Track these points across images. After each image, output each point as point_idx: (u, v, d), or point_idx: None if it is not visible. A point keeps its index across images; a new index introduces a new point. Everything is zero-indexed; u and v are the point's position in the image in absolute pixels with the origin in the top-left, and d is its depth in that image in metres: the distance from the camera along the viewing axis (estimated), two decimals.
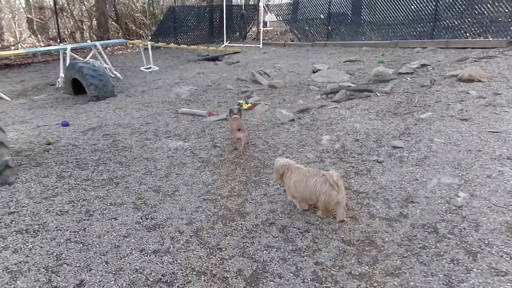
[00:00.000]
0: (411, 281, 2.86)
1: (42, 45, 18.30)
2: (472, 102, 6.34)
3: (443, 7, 11.39)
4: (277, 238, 3.48)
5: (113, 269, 3.09)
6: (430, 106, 6.60)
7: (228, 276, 3.00)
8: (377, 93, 7.66)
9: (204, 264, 3.14)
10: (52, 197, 4.36)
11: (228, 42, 16.53)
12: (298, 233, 3.56)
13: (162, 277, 2.99)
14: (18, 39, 17.38)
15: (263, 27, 19.87)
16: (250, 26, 19.96)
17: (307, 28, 15.58)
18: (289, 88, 8.72)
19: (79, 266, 3.13)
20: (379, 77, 8.50)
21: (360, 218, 3.76)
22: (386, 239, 3.39)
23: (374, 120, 6.34)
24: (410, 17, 12.47)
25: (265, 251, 3.30)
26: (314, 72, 9.63)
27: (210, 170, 5.09)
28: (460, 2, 11.05)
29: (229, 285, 2.89)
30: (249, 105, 7.75)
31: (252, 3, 21.02)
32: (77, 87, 9.68)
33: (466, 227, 3.41)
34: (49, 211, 4.06)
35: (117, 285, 2.91)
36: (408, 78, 8.30)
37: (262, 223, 3.76)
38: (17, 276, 3.01)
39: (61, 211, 4.05)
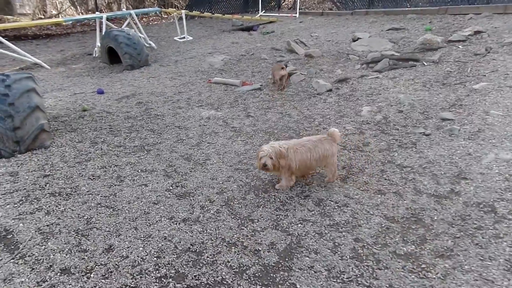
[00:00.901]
0: (465, 264, 2.55)
1: (81, 15, 18.58)
2: None
3: None
4: (313, 212, 3.25)
5: (142, 236, 3.01)
6: (485, 76, 5.94)
7: (260, 249, 2.82)
8: (424, 63, 7.02)
9: (235, 235, 2.98)
10: (85, 162, 4.36)
11: (263, 11, 15.92)
12: (336, 207, 3.31)
13: (191, 246, 2.87)
14: (59, 9, 17.72)
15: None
16: None
17: None
18: (326, 58, 8.22)
19: (108, 231, 3.08)
20: (426, 45, 7.79)
21: (404, 194, 3.43)
22: (435, 218, 3.06)
23: (420, 91, 5.81)
24: None
25: (300, 225, 3.08)
26: (354, 40, 9.00)
27: (242, 139, 4.88)
28: None
29: (261, 258, 2.72)
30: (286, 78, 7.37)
31: None
32: (113, 56, 9.69)
33: None
34: (82, 175, 4.05)
35: (146, 251, 2.82)
36: (460, 46, 7.54)
37: (297, 195, 3.54)
38: (48, 237, 3.00)
39: (93, 176, 4.03)
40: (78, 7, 20.79)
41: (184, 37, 12.14)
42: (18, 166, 4.26)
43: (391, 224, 3.02)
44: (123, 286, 2.48)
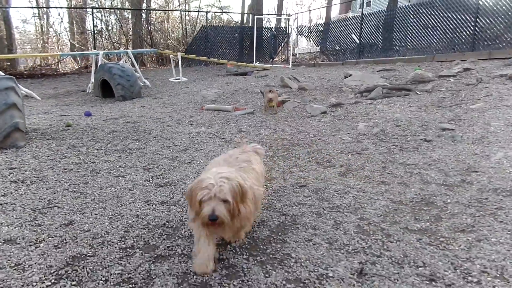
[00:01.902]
0: (491, 237, 2.14)
1: (79, 65, 19.07)
2: None
3: (484, 18, 10.83)
4: (310, 198, 2.86)
5: (110, 214, 2.56)
6: (480, 99, 5.89)
7: None
8: (417, 92, 7.03)
9: None
10: (59, 159, 3.96)
11: (258, 62, 16.52)
12: (336, 194, 2.92)
13: (167, 223, 2.42)
14: (58, 58, 18.23)
15: (292, 55, 19.87)
16: (280, 49, 20.05)
17: (337, 47, 15.37)
18: (320, 90, 8.25)
19: (71, 210, 2.62)
20: (418, 79, 7.90)
21: (411, 184, 3.08)
22: (449, 201, 2.69)
23: (416, 112, 5.69)
24: (448, 31, 11.96)
25: (295, 207, 2.67)
26: (346, 77, 9.15)
27: (233, 147, 4.57)
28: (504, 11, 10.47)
29: (248, 232, 2.28)
30: (277, 102, 7.29)
31: (284, 25, 21.23)
32: (106, 91, 9.65)
33: None
34: (53, 168, 3.64)
35: (112, 226, 2.36)
36: (451, 79, 7.64)
37: (292, 185, 3.16)
38: None
39: (65, 169, 3.62)
40: (78, 58, 21.44)
41: (179, 79, 12.32)
42: None
43: (399, 206, 2.64)
44: (78, 255, 2.00)
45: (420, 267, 1.88)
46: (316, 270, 1.86)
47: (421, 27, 12.89)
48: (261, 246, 2.11)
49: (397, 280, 1.77)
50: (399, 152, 3.98)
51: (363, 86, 7.81)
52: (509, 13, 10.40)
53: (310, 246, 2.09)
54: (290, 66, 15.65)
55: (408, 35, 13.41)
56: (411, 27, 13.24)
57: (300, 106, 7.04)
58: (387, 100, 6.71)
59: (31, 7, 21.65)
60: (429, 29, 12.67)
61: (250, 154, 2.34)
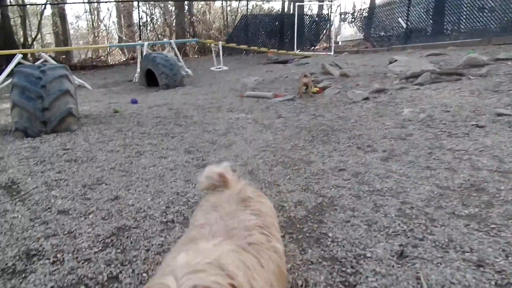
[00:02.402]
0: None
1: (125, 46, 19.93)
2: None
3: None
4: (349, 181, 2.79)
5: (153, 191, 2.67)
6: None
7: (285, 205, 2.38)
8: (470, 76, 6.56)
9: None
10: (107, 142, 4.19)
11: (299, 50, 16.29)
12: (377, 178, 2.83)
13: None
14: (107, 50, 19.23)
15: (334, 43, 19.33)
16: (322, 36, 19.61)
17: (382, 33, 14.74)
18: (362, 76, 7.97)
19: (117, 186, 2.77)
20: (471, 63, 7.36)
21: (460, 169, 2.90)
22: (502, 188, 2.50)
23: (468, 97, 5.32)
24: (508, 12, 11.00)
25: (333, 189, 2.63)
26: (391, 63, 8.75)
27: (272, 132, 4.57)
28: None
29: (285, 211, 2.28)
30: (318, 88, 7.16)
31: (326, 12, 20.69)
32: (151, 80, 10.02)
33: None
34: (102, 150, 3.86)
35: (154, 202, 2.47)
36: (509, 63, 7.04)
37: (331, 169, 3.10)
38: (53, 188, 2.74)
39: (112, 150, 3.82)
40: (125, 51, 22.38)
41: (220, 67, 12.48)
42: (42, 143, 4.16)
43: (445, 192, 2.50)
44: (122, 227, 2.12)
45: (467, 252, 1.78)
46: (353, 250, 1.82)
47: (476, 9, 11.98)
48: (298, 225, 2.10)
49: (441, 263, 1.69)
50: (447, 138, 3.76)
51: (409, 71, 7.43)
52: None
53: (348, 227, 2.05)
54: (332, 53, 15.26)
55: (461, 18, 12.53)
56: (465, 9, 12.34)
57: (341, 92, 6.85)
58: (435, 86, 6.34)
59: (83, 2, 22.86)
60: (486, 11, 11.75)
61: (258, 201, 1.39)
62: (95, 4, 22.99)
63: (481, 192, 2.47)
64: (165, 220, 2.20)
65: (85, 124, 5.18)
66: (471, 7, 12.18)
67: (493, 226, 2.01)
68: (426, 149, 3.48)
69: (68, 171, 3.15)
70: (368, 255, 1.77)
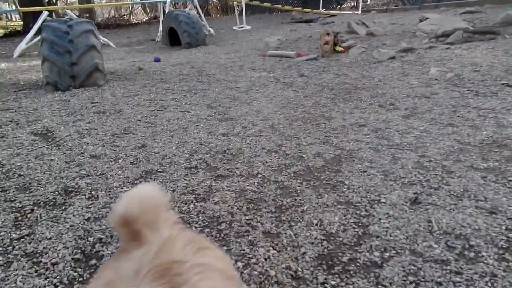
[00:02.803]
0: None
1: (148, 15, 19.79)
2: None
3: None
4: (369, 136, 2.81)
5: (177, 141, 2.79)
6: None
7: (304, 156, 2.46)
8: (506, 35, 6.20)
9: (277, 146, 2.65)
10: (133, 96, 4.33)
11: (324, 9, 15.65)
12: (397, 133, 2.84)
13: (227, 150, 2.59)
14: (130, 8, 19.15)
15: (362, 2, 18.34)
16: None
17: None
18: (390, 35, 7.68)
19: (143, 136, 2.91)
20: (509, 21, 6.92)
21: (483, 127, 2.86)
22: None
23: (501, 57, 5.07)
24: None
25: (352, 143, 2.67)
26: (421, 21, 8.34)
27: (293, 89, 4.57)
28: None
29: (304, 161, 2.35)
30: (342, 48, 6.96)
31: None
32: (173, 39, 9.99)
33: None
34: (128, 104, 4.00)
35: (178, 150, 2.60)
36: None
37: (351, 124, 3.12)
38: (84, 136, 2.91)
39: (138, 104, 3.96)
40: (148, 10, 22.13)
41: (243, 26, 12.24)
42: (71, 97, 4.34)
43: (466, 147, 2.49)
44: (150, 170, 2.26)
45: (481, 201, 1.82)
46: (368, 196, 1.89)
47: None
48: (315, 174, 2.18)
49: (453, 210, 1.74)
50: (473, 97, 3.66)
51: (440, 30, 7.09)
52: None
53: (365, 176, 2.11)
54: (360, 12, 14.59)
55: None
56: None
57: (366, 51, 6.66)
58: (467, 45, 6.05)
59: None
60: None
61: (195, 267, 0.70)
62: None
63: (503, 148, 2.45)
64: (189, 166, 2.33)
65: (110, 80, 5.32)
66: None
67: (511, 178, 2.03)
68: (450, 108, 3.42)
69: (97, 121, 3.31)
70: (383, 200, 1.84)
